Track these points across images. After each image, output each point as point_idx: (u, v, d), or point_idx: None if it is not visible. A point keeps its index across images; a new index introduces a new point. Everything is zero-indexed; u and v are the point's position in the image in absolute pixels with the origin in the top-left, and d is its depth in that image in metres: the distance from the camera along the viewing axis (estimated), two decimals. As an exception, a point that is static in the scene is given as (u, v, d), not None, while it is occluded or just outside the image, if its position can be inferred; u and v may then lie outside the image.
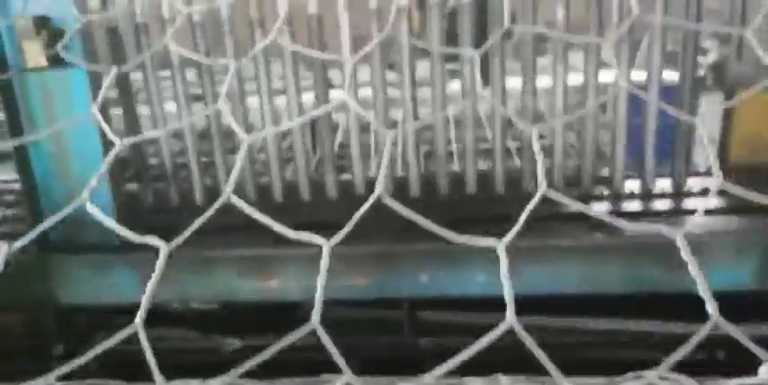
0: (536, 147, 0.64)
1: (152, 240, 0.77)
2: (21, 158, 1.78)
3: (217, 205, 0.73)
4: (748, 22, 2.00)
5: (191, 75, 2.04)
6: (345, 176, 2.04)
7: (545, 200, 1.95)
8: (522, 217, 0.77)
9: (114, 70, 0.86)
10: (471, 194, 1.98)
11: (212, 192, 2.01)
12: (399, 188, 1.97)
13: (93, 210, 0.70)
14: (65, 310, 1.81)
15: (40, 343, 1.79)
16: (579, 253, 1.79)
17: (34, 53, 1.66)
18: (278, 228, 0.76)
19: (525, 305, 1.83)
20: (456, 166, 2.25)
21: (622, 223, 0.73)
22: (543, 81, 1.92)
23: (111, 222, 0.75)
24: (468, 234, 1.77)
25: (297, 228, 1.85)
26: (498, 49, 1.84)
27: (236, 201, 0.67)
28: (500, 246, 0.73)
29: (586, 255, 1.79)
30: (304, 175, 1.98)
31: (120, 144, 0.73)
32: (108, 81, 0.84)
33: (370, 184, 1.94)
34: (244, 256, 1.80)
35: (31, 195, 1.80)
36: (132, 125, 2.04)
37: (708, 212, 1.86)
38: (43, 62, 1.67)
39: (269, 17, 1.88)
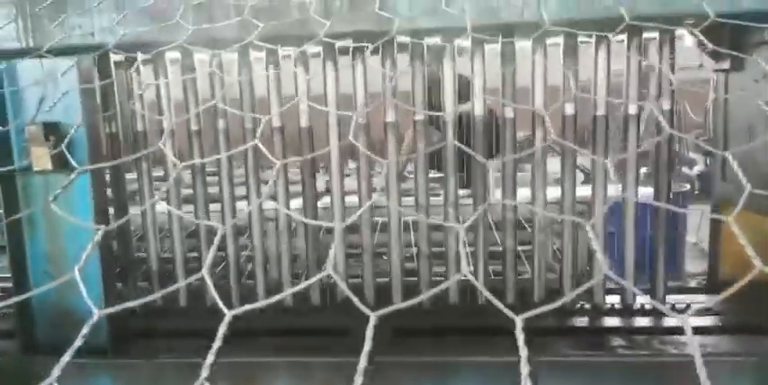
0: (520, 340, 0.65)
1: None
2: (16, 256, 1.81)
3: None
4: (729, 138, 2.13)
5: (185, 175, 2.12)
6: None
7: (547, 313, 1.98)
8: None
9: (100, 234, 0.91)
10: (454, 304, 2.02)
11: (196, 295, 2.03)
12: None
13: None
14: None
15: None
16: (579, 369, 1.79)
17: (41, 157, 1.73)
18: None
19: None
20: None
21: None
22: (523, 193, 2.01)
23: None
24: (452, 345, 1.81)
25: (282, 333, 1.89)
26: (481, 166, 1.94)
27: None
28: None
29: (587, 372, 1.78)
30: (289, 279, 2.01)
31: (96, 314, 0.73)
32: (92, 243, 0.89)
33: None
34: (232, 363, 1.80)
35: (24, 293, 1.82)
36: (124, 225, 2.09)
37: (698, 331, 1.89)
38: (48, 165, 1.74)
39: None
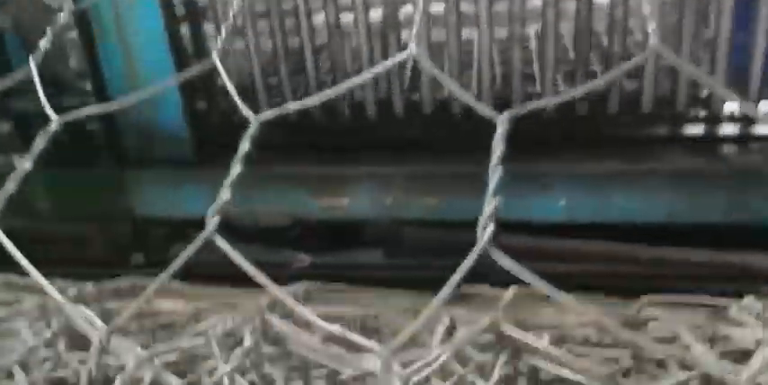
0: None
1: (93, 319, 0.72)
2: (95, 77, 1.84)
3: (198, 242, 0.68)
4: None
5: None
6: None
7: (636, 121, 1.89)
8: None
9: None
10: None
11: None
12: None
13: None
14: (141, 222, 1.91)
15: (118, 253, 1.91)
16: (673, 178, 1.74)
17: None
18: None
19: (616, 233, 1.82)
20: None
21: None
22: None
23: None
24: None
25: (364, 146, 1.89)
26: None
27: (219, 241, 0.64)
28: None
29: (680, 181, 1.73)
30: (371, 94, 1.94)
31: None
32: None
33: (441, 103, 1.90)
34: (315, 174, 1.83)
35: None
36: (199, 43, 2.05)
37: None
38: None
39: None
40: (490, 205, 0.56)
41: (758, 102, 1.82)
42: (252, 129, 0.72)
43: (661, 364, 0.88)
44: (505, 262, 0.58)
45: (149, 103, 1.85)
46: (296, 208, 1.85)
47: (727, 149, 1.80)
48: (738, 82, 1.82)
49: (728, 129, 1.84)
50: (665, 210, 1.73)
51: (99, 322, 0.74)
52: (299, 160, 1.89)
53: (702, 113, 1.87)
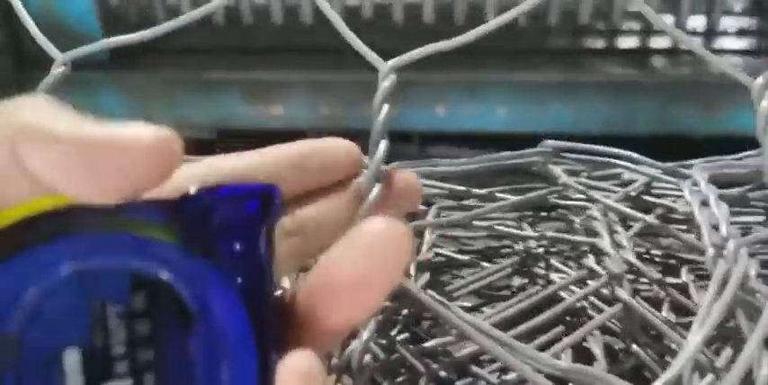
0: None
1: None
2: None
3: None
4: None
5: None
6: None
7: (572, 32, 1.89)
8: None
9: None
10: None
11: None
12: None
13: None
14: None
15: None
16: (608, 89, 1.74)
17: None
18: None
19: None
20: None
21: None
22: None
23: None
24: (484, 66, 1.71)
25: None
26: None
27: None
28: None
29: (615, 92, 1.74)
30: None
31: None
32: None
33: (380, 7, 1.80)
34: (246, 80, 1.71)
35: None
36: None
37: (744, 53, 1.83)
38: None
39: None
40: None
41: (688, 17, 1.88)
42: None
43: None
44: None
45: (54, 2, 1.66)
46: (226, 116, 1.72)
47: (658, 62, 1.85)
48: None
49: (660, 43, 1.88)
50: (601, 120, 1.76)
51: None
52: (229, 65, 1.76)
53: (636, 26, 1.90)
